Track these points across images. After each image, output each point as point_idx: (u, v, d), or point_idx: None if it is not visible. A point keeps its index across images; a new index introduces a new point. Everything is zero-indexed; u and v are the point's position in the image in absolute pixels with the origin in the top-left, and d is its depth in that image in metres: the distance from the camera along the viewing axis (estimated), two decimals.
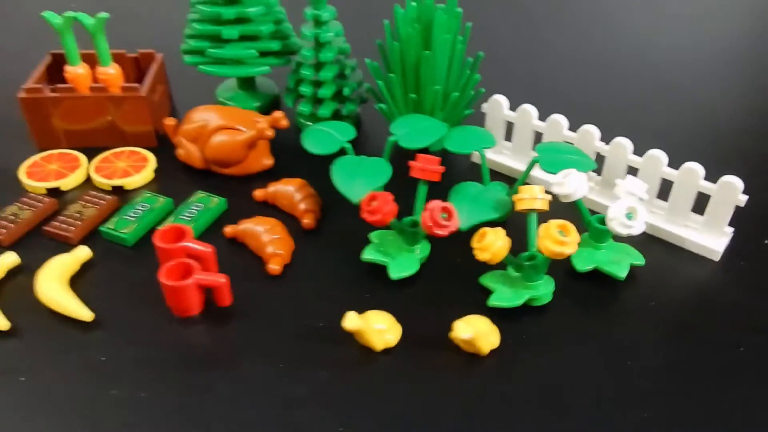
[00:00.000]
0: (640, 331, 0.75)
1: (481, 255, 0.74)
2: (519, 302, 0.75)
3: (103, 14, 0.95)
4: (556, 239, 0.70)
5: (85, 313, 0.74)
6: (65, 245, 0.84)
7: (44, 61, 1.04)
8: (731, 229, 0.84)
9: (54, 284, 0.76)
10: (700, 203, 0.84)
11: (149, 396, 0.67)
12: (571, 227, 0.71)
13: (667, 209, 0.86)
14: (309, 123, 1.05)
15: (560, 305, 0.77)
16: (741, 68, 1.30)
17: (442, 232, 0.74)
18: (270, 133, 0.91)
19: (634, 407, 0.67)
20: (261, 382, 0.69)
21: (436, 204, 0.75)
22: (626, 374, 0.70)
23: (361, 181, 0.82)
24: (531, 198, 0.76)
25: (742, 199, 0.79)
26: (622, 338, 0.74)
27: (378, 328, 0.70)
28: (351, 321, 0.69)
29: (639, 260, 0.81)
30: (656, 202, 0.87)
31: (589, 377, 0.70)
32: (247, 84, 1.11)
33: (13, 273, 0.80)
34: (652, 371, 0.70)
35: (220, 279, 0.73)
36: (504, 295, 0.76)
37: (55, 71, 1.04)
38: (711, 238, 0.84)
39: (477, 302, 0.77)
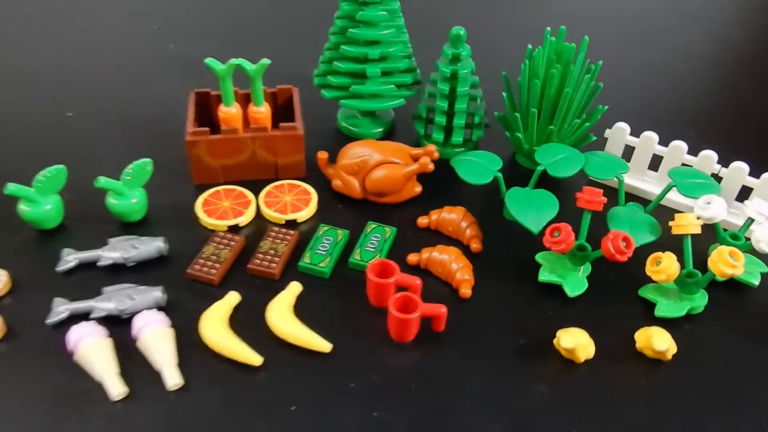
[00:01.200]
0: None
1: (658, 276, 0.88)
2: (683, 313, 0.89)
3: (265, 60, 1.02)
4: (729, 263, 0.84)
5: (324, 345, 0.84)
6: (266, 280, 0.93)
7: (191, 100, 1.10)
8: None
9: (289, 320, 0.85)
10: None
11: (409, 413, 0.79)
12: (740, 253, 0.86)
13: None
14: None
15: (709, 312, 0.92)
16: None
17: (623, 258, 0.87)
18: (432, 167, 1.01)
19: None
20: (492, 395, 0.81)
21: (617, 234, 0.88)
22: None
23: (534, 213, 0.94)
24: (688, 224, 0.90)
25: None
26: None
27: (583, 344, 0.83)
28: (568, 341, 0.82)
29: (764, 269, 0.96)
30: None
31: (758, 369, 0.85)
32: (369, 112, 1.20)
33: (235, 310, 0.89)
34: None
35: (441, 309, 0.85)
36: (667, 307, 0.90)
37: (197, 108, 1.11)
38: None
39: (640, 313, 0.92)
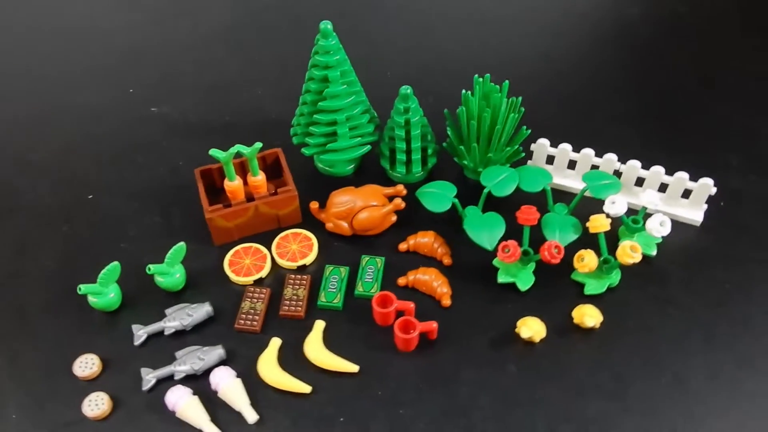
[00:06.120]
0: (676, 281, 1.24)
1: (582, 269, 1.19)
2: (604, 289, 1.22)
3: (258, 144, 1.26)
4: (630, 255, 1.16)
5: (352, 367, 1.14)
6: (296, 321, 1.21)
7: (198, 177, 1.33)
8: (705, 205, 1.34)
9: (322, 352, 1.14)
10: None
11: (424, 407, 1.10)
12: (637, 245, 1.18)
13: (665, 198, 1.34)
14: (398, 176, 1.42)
15: (623, 282, 1.25)
16: None
17: (556, 261, 1.18)
18: (403, 204, 1.29)
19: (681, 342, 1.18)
20: (479, 381, 1.13)
21: (550, 243, 1.18)
22: (672, 314, 1.20)
23: (487, 233, 1.24)
24: (600, 225, 1.21)
25: (713, 191, 1.29)
26: (667, 290, 1.23)
27: (537, 329, 1.15)
28: (525, 332, 1.13)
29: (658, 240, 1.29)
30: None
31: (652, 322, 1.19)
32: None
33: (279, 350, 1.18)
34: (686, 305, 1.21)
35: (433, 325, 1.15)
36: (592, 286, 1.23)
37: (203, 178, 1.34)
38: (695, 211, 1.34)
39: (574, 292, 1.24)
